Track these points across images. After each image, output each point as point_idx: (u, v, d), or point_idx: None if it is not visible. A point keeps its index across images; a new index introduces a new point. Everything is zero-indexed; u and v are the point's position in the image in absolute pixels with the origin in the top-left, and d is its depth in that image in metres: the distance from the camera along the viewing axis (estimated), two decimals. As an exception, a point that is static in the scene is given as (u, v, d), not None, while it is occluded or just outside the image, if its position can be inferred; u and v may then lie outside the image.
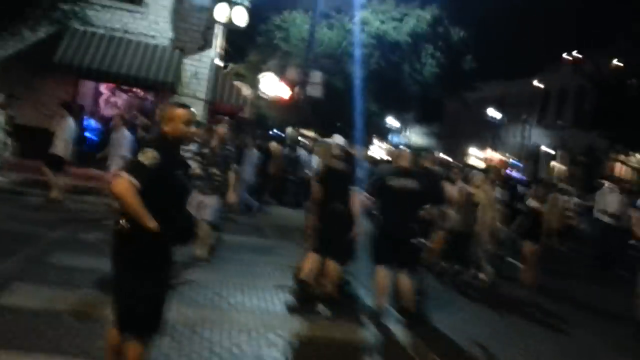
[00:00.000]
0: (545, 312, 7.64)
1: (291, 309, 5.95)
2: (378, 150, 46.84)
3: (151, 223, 3.09)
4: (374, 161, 17.75)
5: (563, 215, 12.45)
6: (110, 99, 16.76)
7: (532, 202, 8.60)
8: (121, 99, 16.78)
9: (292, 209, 13.40)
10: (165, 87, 14.89)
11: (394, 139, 58.95)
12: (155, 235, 3.11)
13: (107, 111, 16.36)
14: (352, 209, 6.27)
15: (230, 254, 7.93)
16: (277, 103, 21.58)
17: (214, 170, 7.22)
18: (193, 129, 3.41)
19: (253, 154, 12.76)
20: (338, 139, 6.76)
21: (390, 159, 15.08)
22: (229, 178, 7.34)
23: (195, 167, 7.17)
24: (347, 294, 6.72)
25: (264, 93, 20.41)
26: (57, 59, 13.75)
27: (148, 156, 3.15)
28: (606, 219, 11.43)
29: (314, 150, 8.00)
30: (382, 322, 5.86)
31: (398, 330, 5.74)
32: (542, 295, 8.36)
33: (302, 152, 15.49)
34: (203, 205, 7.15)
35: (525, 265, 8.62)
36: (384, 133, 55.40)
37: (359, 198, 6.32)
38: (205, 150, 7.31)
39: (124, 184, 3.06)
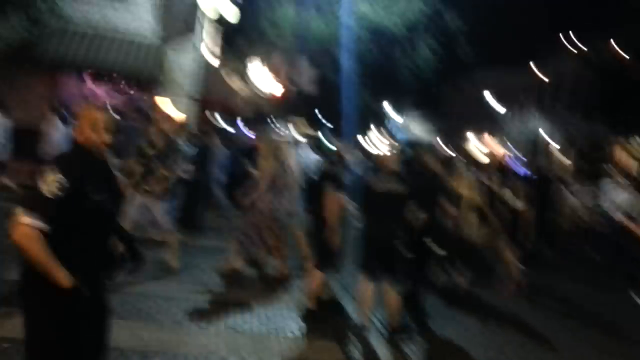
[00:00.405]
0: (536, 323, 6.86)
1: (264, 328, 5.34)
2: (377, 143, 46.00)
3: (63, 279, 2.50)
4: (368, 156, 16.25)
5: (574, 216, 11.82)
6: (98, 96, 16.15)
7: (511, 201, 7.98)
8: (108, 95, 16.19)
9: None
10: (150, 82, 14.40)
11: (397, 133, 57.77)
12: (71, 289, 2.53)
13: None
14: (327, 212, 5.72)
15: (199, 260, 7.34)
16: (271, 98, 20.95)
17: (162, 171, 6.52)
18: (106, 136, 2.74)
19: (221, 152, 11.53)
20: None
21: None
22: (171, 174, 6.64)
23: (136, 168, 6.51)
24: (329, 306, 6.19)
25: (258, 89, 19.83)
26: (38, 57, 13.33)
27: (49, 183, 2.51)
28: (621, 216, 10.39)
29: (260, 147, 7.24)
30: (365, 338, 5.33)
31: (382, 349, 5.21)
32: (530, 302, 7.75)
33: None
34: (156, 211, 6.52)
35: (506, 268, 7.93)
36: (382, 123, 54.53)
37: (338, 201, 5.77)
38: (150, 150, 6.56)
39: (24, 232, 2.44)
